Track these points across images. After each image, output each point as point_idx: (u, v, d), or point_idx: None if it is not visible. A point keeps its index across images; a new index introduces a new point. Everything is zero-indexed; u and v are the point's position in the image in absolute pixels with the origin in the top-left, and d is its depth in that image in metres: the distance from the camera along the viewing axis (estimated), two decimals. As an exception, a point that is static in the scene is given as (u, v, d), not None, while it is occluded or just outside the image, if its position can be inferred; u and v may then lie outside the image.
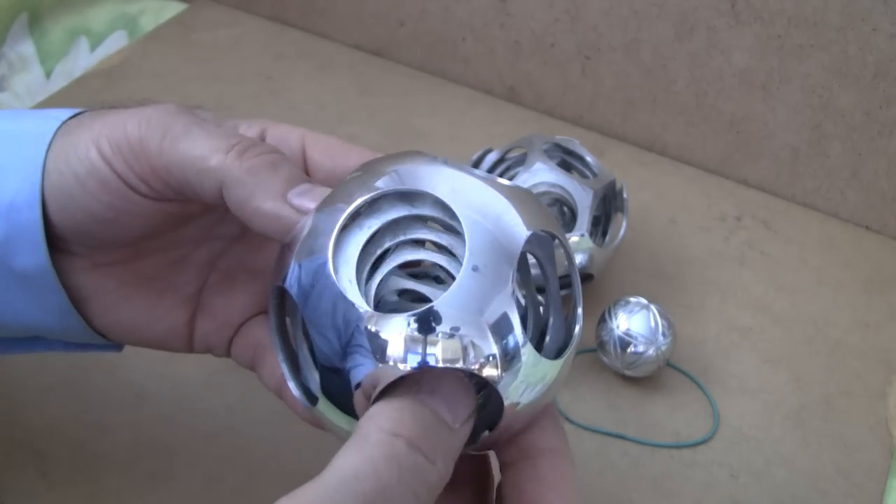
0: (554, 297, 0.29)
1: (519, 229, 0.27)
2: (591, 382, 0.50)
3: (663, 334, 0.47)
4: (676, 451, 0.47)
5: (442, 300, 0.25)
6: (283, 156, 0.29)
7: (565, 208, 0.51)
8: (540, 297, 0.30)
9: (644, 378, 0.49)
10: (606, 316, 0.48)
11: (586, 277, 0.52)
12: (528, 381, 0.26)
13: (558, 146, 0.54)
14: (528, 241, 0.27)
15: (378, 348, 0.25)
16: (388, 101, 0.68)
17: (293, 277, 0.27)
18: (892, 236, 0.60)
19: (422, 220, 0.28)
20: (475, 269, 0.25)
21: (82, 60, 0.71)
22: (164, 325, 0.34)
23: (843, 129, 0.58)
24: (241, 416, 0.46)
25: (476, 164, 0.53)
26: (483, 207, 0.27)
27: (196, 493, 0.43)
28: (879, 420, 0.49)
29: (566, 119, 0.67)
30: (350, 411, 0.27)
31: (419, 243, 0.28)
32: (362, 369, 0.25)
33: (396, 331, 0.25)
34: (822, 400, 0.50)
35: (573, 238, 0.49)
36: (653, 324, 0.47)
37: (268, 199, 0.28)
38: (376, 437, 0.24)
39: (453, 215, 0.27)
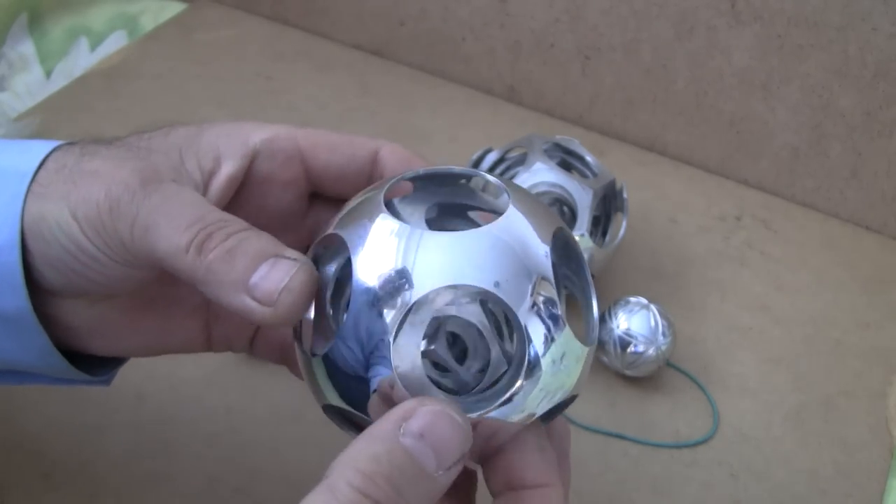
0: (577, 299, 0.30)
1: (538, 245, 0.27)
2: (591, 382, 0.49)
3: (663, 334, 0.47)
4: (676, 451, 0.47)
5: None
6: (244, 234, 0.28)
7: (565, 208, 0.51)
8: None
9: (644, 378, 0.49)
10: (606, 316, 0.48)
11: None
12: (548, 389, 0.27)
13: (558, 146, 0.54)
14: (549, 254, 0.27)
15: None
16: (388, 101, 0.68)
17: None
18: (892, 236, 0.60)
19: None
20: (496, 284, 0.26)
21: (82, 60, 0.71)
22: (179, 337, 0.34)
23: (843, 129, 0.58)
24: (241, 416, 0.46)
25: (476, 164, 0.53)
26: (505, 226, 0.27)
27: (196, 493, 0.43)
28: (879, 420, 0.49)
29: (566, 119, 0.67)
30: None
31: None
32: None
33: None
34: (822, 400, 0.50)
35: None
36: (653, 324, 0.47)
37: (231, 296, 0.27)
38: (345, 496, 0.23)
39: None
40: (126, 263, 0.29)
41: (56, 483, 0.43)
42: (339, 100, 0.68)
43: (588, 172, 0.53)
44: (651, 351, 0.47)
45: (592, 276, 0.51)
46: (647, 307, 0.48)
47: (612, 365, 0.49)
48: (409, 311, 0.25)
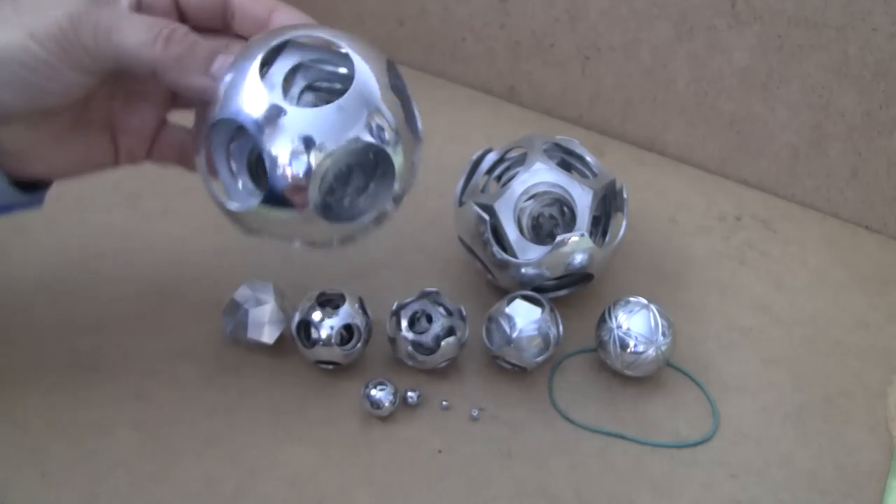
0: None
1: (376, 82, 0.38)
2: (591, 382, 0.50)
3: (663, 334, 0.47)
4: (676, 451, 0.47)
5: (318, 127, 0.37)
6: (195, 35, 0.38)
7: (565, 208, 0.51)
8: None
9: (644, 378, 0.49)
10: (606, 316, 0.48)
11: (586, 277, 0.52)
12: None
13: (558, 146, 0.54)
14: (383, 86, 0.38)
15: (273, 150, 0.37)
16: (388, 101, 0.68)
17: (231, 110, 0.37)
18: (892, 236, 0.60)
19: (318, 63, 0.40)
20: (340, 107, 0.37)
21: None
22: (97, 153, 0.42)
23: (843, 129, 0.58)
24: (241, 416, 0.46)
25: (476, 165, 0.53)
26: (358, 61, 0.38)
27: (196, 493, 0.43)
28: (879, 420, 0.49)
29: (566, 119, 0.67)
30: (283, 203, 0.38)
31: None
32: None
33: (285, 147, 0.37)
34: (822, 400, 0.50)
35: (573, 238, 0.49)
36: (653, 324, 0.47)
37: (195, 77, 0.38)
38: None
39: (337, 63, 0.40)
40: (81, 68, 0.37)
41: (56, 483, 0.43)
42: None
43: (588, 172, 0.53)
44: (651, 351, 0.47)
45: (592, 276, 0.51)
46: (647, 307, 0.48)
47: (612, 365, 0.49)
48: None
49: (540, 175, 0.50)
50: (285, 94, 0.38)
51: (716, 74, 0.60)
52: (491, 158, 0.54)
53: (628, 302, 0.48)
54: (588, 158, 0.54)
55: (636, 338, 0.47)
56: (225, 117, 0.37)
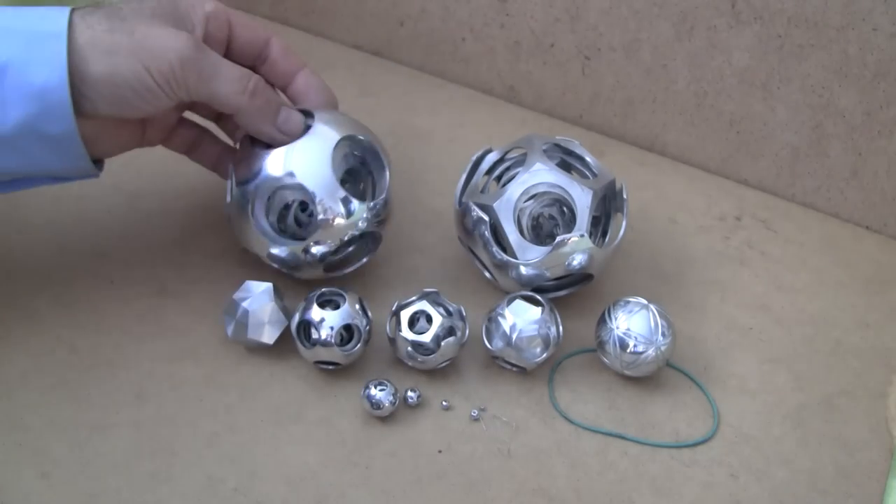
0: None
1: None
2: (591, 382, 0.50)
3: (663, 334, 0.47)
4: (676, 451, 0.47)
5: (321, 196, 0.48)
6: (276, 95, 0.49)
7: (565, 208, 0.51)
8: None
9: (644, 378, 0.49)
10: (606, 316, 0.48)
11: (586, 277, 0.52)
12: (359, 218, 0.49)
13: (558, 146, 0.54)
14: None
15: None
16: (388, 101, 0.68)
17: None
18: (892, 236, 0.60)
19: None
20: (344, 181, 0.50)
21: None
22: (135, 138, 0.50)
23: (843, 129, 0.58)
24: (241, 416, 0.46)
25: (476, 165, 0.53)
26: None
27: (196, 493, 0.43)
28: (879, 420, 0.49)
29: (566, 119, 0.67)
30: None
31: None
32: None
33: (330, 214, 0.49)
34: (822, 400, 0.50)
35: (573, 238, 0.49)
36: (652, 324, 0.47)
37: (267, 126, 0.48)
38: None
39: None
40: (176, 99, 0.45)
41: (56, 483, 0.43)
42: (339, 100, 0.67)
43: (588, 173, 0.53)
44: (651, 351, 0.47)
45: (592, 276, 0.51)
46: (646, 307, 0.48)
47: (612, 365, 0.49)
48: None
49: (540, 175, 0.50)
50: (336, 171, 0.49)
51: (716, 74, 0.60)
52: (491, 158, 0.54)
53: (628, 302, 0.48)
54: (588, 158, 0.54)
55: (636, 338, 0.47)
56: (296, 182, 0.48)
